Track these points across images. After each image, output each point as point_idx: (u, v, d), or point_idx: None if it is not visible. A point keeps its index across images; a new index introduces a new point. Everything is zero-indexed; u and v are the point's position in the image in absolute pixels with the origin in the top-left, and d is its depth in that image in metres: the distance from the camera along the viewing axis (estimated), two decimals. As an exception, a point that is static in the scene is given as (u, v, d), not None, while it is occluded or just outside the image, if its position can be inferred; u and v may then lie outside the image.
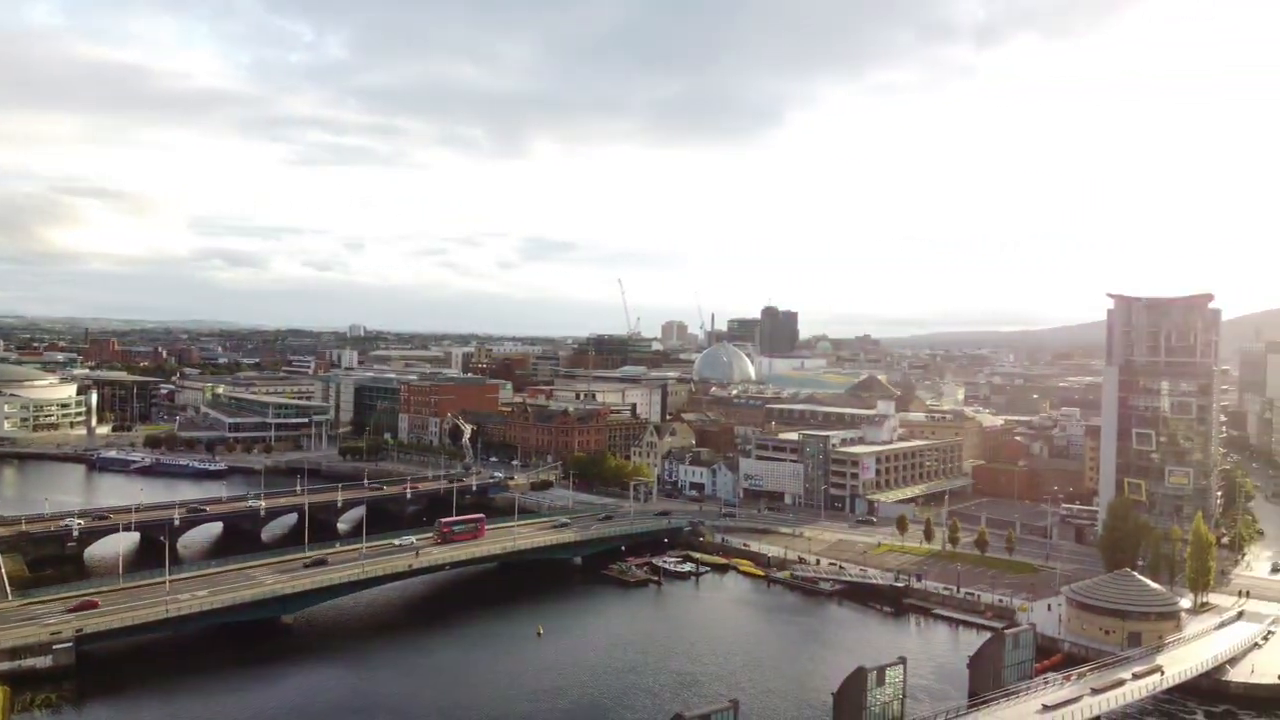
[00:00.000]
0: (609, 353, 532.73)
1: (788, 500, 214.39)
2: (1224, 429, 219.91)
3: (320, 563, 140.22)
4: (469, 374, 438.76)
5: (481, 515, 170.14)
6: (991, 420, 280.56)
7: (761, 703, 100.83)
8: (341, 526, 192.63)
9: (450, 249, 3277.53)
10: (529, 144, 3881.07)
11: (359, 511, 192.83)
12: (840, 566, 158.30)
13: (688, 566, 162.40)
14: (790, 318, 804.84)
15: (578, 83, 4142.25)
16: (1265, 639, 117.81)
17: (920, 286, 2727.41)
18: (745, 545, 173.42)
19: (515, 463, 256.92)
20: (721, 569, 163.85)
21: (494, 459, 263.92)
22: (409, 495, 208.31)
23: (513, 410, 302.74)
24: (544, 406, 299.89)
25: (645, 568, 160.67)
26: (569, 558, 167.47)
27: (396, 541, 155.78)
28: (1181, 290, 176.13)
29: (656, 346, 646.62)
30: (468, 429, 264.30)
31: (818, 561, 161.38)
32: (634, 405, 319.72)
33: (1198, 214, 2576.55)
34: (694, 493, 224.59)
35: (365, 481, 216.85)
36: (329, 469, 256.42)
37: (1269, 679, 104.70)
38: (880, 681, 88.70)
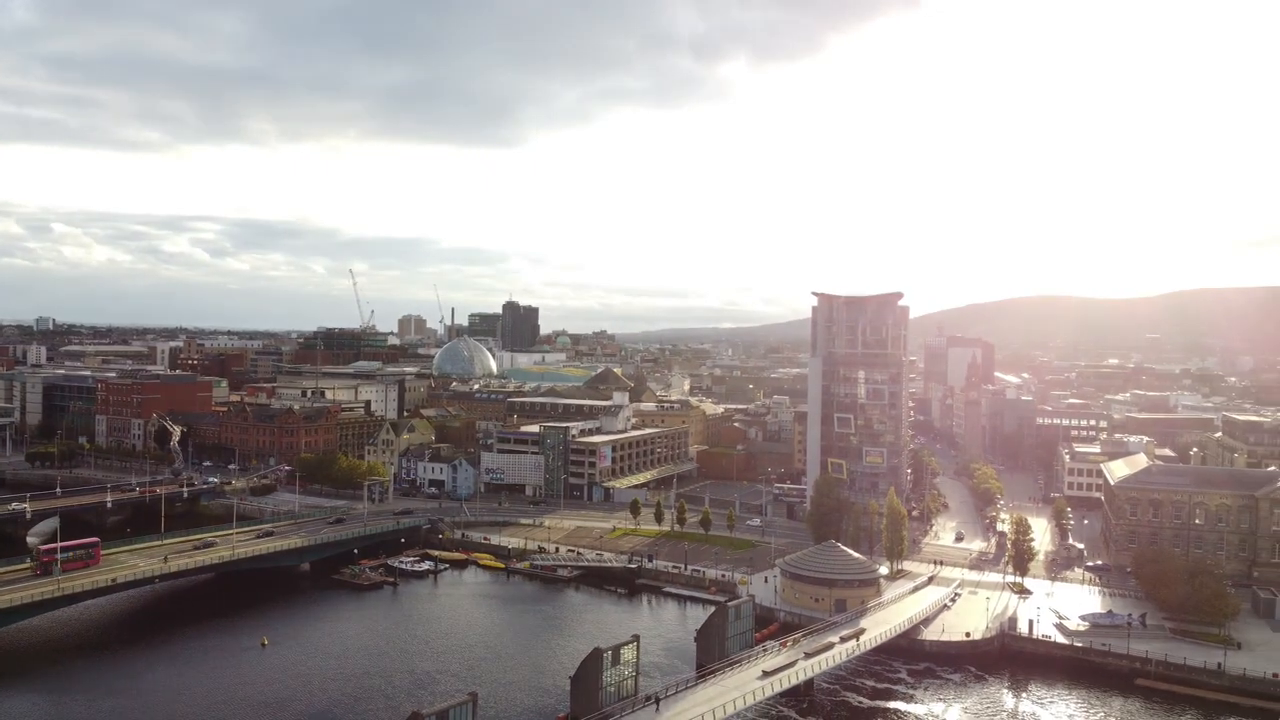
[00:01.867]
0: (340, 348, 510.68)
1: (529, 492, 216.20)
2: (912, 414, 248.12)
3: None
4: (177, 370, 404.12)
5: (96, 539, 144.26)
6: (713, 409, 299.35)
7: (501, 693, 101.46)
8: (31, 540, 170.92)
9: (151, 234, 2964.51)
10: (242, 123, 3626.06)
11: (52, 524, 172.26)
12: (578, 553, 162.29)
13: (426, 565, 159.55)
14: (531, 313, 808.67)
15: (296, 62, 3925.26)
16: (953, 601, 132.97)
17: (650, 284, 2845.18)
18: (485, 539, 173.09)
19: (233, 466, 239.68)
20: (461, 565, 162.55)
21: (208, 463, 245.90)
22: (110, 504, 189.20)
23: (229, 409, 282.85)
24: (265, 405, 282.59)
25: (380, 569, 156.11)
26: (295, 564, 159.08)
27: None
28: (876, 289, 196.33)
29: (393, 341, 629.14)
30: (176, 430, 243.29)
31: (556, 549, 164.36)
32: (368, 402, 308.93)
33: (891, 221, 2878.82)
34: (434, 490, 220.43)
35: (58, 490, 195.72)
36: (15, 477, 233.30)
37: (957, 636, 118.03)
38: (615, 661, 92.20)
